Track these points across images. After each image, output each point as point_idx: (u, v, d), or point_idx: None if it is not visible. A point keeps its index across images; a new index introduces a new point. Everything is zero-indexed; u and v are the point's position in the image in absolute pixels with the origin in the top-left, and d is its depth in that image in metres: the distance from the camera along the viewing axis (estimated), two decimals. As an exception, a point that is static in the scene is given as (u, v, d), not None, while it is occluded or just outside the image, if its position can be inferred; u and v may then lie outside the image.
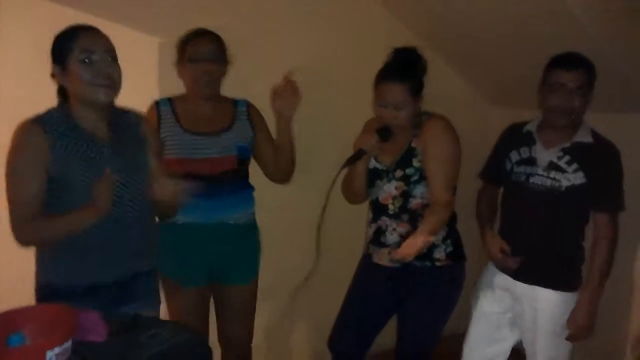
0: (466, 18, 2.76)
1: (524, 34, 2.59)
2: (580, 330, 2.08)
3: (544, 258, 2.14)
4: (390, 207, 2.15)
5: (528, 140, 2.18)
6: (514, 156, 2.20)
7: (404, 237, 2.12)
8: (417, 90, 2.09)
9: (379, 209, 2.18)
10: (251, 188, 2.34)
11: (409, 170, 2.12)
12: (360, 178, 2.15)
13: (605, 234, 2.07)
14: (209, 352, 1.49)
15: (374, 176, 2.17)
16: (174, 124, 2.19)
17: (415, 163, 2.12)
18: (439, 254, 2.17)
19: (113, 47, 1.72)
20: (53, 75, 1.73)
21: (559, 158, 2.09)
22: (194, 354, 1.47)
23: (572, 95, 2.03)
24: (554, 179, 2.08)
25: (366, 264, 2.30)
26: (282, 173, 2.33)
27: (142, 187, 1.78)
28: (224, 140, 2.20)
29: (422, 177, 2.12)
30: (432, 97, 3.02)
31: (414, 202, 2.13)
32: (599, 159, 2.06)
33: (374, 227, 2.21)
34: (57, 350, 1.24)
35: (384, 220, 2.17)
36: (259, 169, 2.38)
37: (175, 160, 2.15)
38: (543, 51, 2.13)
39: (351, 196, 2.22)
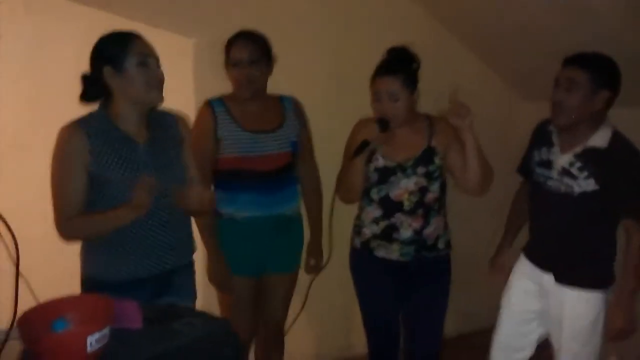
0: (492, 8, 2.77)
1: (548, 29, 2.59)
2: (619, 332, 2.06)
3: (567, 258, 2.14)
4: (406, 202, 2.18)
5: (548, 140, 2.17)
6: (536, 156, 2.21)
7: (417, 232, 2.19)
8: (411, 83, 2.14)
9: (390, 206, 2.20)
10: (297, 180, 2.45)
11: (431, 167, 2.17)
12: (359, 175, 2.16)
13: (632, 239, 2.05)
14: (237, 339, 1.57)
15: (386, 173, 2.19)
16: (231, 123, 2.28)
17: (437, 161, 2.18)
18: (442, 243, 2.26)
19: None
20: (87, 77, 1.80)
21: (571, 164, 2.07)
22: (224, 342, 1.54)
23: (563, 92, 2.02)
24: (567, 184, 2.07)
25: (366, 261, 2.31)
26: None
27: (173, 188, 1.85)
28: (279, 136, 2.31)
29: (441, 174, 2.19)
30: (465, 94, 3.05)
31: (429, 197, 2.18)
32: (613, 165, 2.01)
33: (383, 224, 2.22)
34: (96, 335, 1.33)
35: (399, 217, 2.19)
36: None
37: (235, 158, 2.26)
38: (567, 46, 2.12)
39: (347, 194, 2.24)
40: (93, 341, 1.33)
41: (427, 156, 2.18)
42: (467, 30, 3.14)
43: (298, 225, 2.48)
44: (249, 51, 2.24)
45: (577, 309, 2.11)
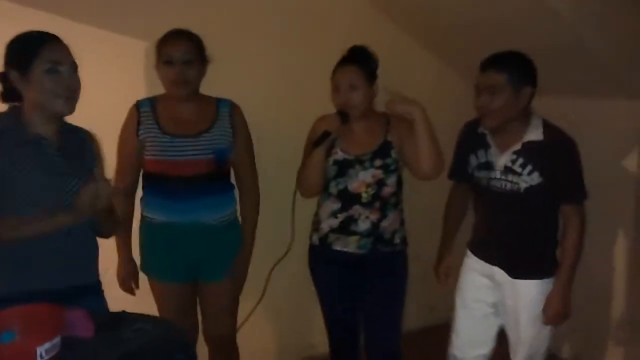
0: (450, 9, 2.82)
1: (507, 24, 2.62)
2: (556, 316, 2.14)
3: (517, 254, 2.19)
4: (364, 195, 2.24)
5: (483, 142, 2.20)
6: (473, 160, 2.24)
7: (375, 224, 2.25)
8: (370, 75, 2.21)
9: (349, 198, 2.25)
10: (231, 188, 2.36)
11: (388, 160, 2.24)
12: (319, 166, 2.20)
13: (572, 224, 2.12)
14: (189, 343, 1.59)
15: (345, 166, 2.24)
16: (152, 126, 2.20)
17: (393, 154, 2.24)
18: (398, 238, 2.32)
19: (74, 58, 1.71)
20: (1, 76, 1.70)
21: (513, 162, 2.11)
22: (175, 346, 1.55)
23: (487, 97, 2.07)
24: (512, 182, 2.12)
25: (324, 256, 2.36)
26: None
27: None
28: (201, 142, 2.20)
29: (397, 168, 2.26)
30: (425, 90, 3.09)
31: (386, 190, 2.25)
32: (552, 155, 2.07)
33: (341, 217, 2.27)
34: (46, 346, 1.33)
35: (356, 209, 2.25)
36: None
37: (153, 161, 2.20)
38: (526, 41, 2.17)
39: (308, 188, 2.27)
40: (43, 352, 1.33)
41: (384, 150, 2.24)
42: (421, 29, 3.18)
43: (230, 233, 2.35)
44: (184, 50, 2.14)
45: (532, 297, 2.17)
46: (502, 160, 2.14)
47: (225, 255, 2.35)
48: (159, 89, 2.28)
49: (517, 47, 2.11)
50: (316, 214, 2.38)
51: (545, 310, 2.15)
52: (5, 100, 1.73)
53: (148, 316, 1.65)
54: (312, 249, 2.41)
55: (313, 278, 2.43)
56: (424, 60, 3.36)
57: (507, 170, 2.13)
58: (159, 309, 2.34)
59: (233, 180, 2.40)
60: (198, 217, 2.24)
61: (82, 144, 1.84)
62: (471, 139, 2.27)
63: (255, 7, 2.82)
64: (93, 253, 1.85)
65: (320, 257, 2.39)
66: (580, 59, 2.30)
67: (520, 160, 2.10)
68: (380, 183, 2.24)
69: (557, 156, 2.08)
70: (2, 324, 1.42)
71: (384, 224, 2.27)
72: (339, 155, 2.25)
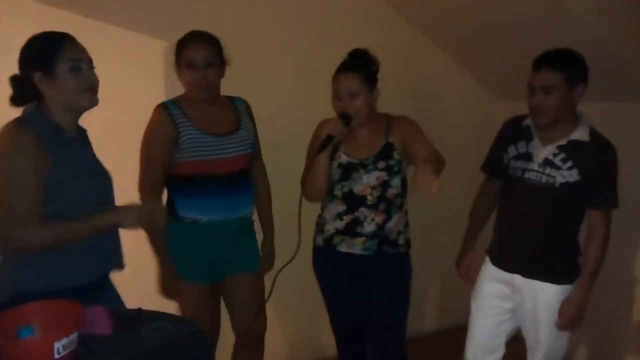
0: (467, 10, 2.80)
1: (522, 25, 2.62)
2: (569, 322, 2.12)
3: (540, 252, 2.17)
4: (369, 197, 2.24)
5: (526, 134, 2.20)
6: (512, 150, 2.24)
7: (380, 226, 2.25)
8: (370, 80, 2.21)
9: (354, 200, 2.26)
10: (253, 183, 2.42)
11: (391, 162, 2.24)
12: (324, 170, 2.20)
13: (597, 231, 2.10)
14: (207, 342, 1.57)
15: (349, 169, 2.26)
16: (190, 126, 2.22)
17: (396, 156, 2.25)
18: (403, 239, 2.32)
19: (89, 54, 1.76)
20: (16, 79, 1.71)
21: (555, 155, 2.11)
22: (193, 344, 1.55)
23: (541, 95, 2.06)
24: (548, 175, 2.11)
25: (328, 257, 2.37)
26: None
27: (112, 190, 1.84)
28: (238, 138, 2.28)
29: (400, 170, 2.26)
30: (438, 92, 3.07)
31: (391, 192, 2.26)
32: (594, 157, 2.07)
33: (347, 218, 2.28)
34: (64, 341, 1.32)
35: (362, 211, 2.26)
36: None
37: (195, 162, 2.21)
38: (541, 43, 2.15)
39: (313, 192, 2.27)
40: (60, 347, 1.32)
41: (387, 151, 2.25)
42: (437, 29, 3.17)
43: (252, 228, 2.45)
44: (205, 53, 2.19)
45: (550, 302, 2.15)
46: (544, 152, 2.13)
47: (252, 247, 2.44)
48: (177, 89, 2.31)
49: (533, 49, 2.10)
50: (320, 216, 2.40)
51: (560, 314, 2.13)
52: (19, 103, 1.73)
53: (167, 314, 1.65)
54: (316, 250, 2.42)
55: (317, 279, 2.45)
56: (439, 60, 3.34)
57: (547, 162, 2.12)
58: (182, 309, 2.35)
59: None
60: (234, 213, 2.30)
61: (87, 139, 1.89)
62: (513, 131, 2.27)
63: (271, 8, 2.82)
64: (119, 243, 1.89)
65: (325, 259, 2.40)
66: (601, 62, 2.27)
67: (563, 155, 2.10)
68: (384, 185, 2.24)
69: (599, 159, 2.08)
70: (21, 319, 1.43)
71: (389, 225, 2.28)
72: (342, 158, 2.27)
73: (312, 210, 2.39)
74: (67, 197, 1.68)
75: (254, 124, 2.41)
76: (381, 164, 2.24)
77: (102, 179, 1.81)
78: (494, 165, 2.35)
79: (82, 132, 1.86)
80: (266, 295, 2.36)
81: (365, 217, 2.26)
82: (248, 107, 2.41)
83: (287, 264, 2.21)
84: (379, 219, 2.26)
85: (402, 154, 2.25)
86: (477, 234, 2.44)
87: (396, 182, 2.26)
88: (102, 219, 1.70)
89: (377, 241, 2.27)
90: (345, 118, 2.17)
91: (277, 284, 2.23)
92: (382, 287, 2.32)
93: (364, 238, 2.27)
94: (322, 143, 2.15)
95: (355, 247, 2.29)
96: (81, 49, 1.74)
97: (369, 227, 2.26)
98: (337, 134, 2.17)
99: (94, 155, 1.86)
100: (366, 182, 2.24)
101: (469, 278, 2.42)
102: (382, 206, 2.25)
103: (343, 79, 2.20)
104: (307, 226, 2.36)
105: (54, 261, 1.68)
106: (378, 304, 2.34)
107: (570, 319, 2.11)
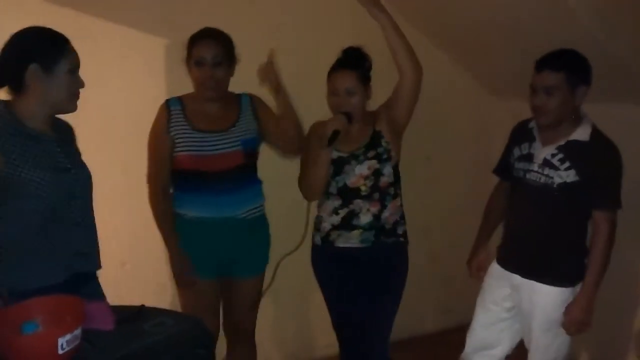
0: (466, 10, 2.80)
1: (522, 25, 2.62)
2: (575, 324, 2.11)
3: (541, 253, 2.17)
4: (363, 188, 2.27)
5: (529, 136, 2.21)
6: (516, 152, 2.25)
7: (376, 216, 2.27)
8: (365, 79, 2.26)
9: (349, 193, 2.28)
10: (259, 182, 2.40)
11: (379, 149, 2.28)
12: (327, 166, 2.23)
13: (599, 232, 2.08)
14: (210, 338, 1.58)
15: (341, 163, 2.28)
16: (182, 122, 2.26)
17: (384, 143, 2.28)
18: (400, 230, 2.34)
19: None
20: (15, 72, 1.65)
21: (553, 156, 2.10)
22: (196, 340, 1.56)
23: (543, 96, 2.07)
24: (547, 175, 2.11)
25: (327, 254, 2.38)
26: (290, 142, 2.35)
27: (89, 187, 1.81)
28: (229, 135, 2.27)
29: (390, 157, 2.29)
30: (437, 92, 3.06)
31: (383, 180, 2.28)
32: (593, 158, 2.06)
33: (343, 212, 2.29)
34: (67, 337, 1.33)
35: (357, 203, 2.28)
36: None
37: (185, 157, 2.24)
38: (540, 43, 2.16)
39: (316, 190, 2.30)
40: (64, 343, 1.33)
41: (375, 140, 2.28)
42: (436, 29, 3.17)
43: (260, 228, 2.42)
44: (214, 52, 2.20)
45: (547, 304, 2.15)
46: (543, 153, 2.14)
47: (257, 253, 2.41)
48: (182, 87, 2.31)
49: (533, 48, 2.10)
50: (317, 216, 2.40)
51: (565, 317, 2.11)
52: None
53: (169, 311, 1.66)
54: (315, 249, 2.43)
55: (316, 276, 2.45)
56: (439, 60, 3.33)
57: (546, 163, 2.12)
58: (184, 305, 2.36)
59: (259, 175, 2.42)
60: (230, 211, 2.28)
61: (67, 134, 1.85)
62: (520, 133, 2.28)
63: (271, 7, 2.83)
64: (94, 243, 1.85)
65: (324, 256, 2.40)
66: (601, 63, 2.27)
67: (560, 155, 2.09)
68: (376, 173, 2.27)
69: (599, 159, 2.07)
70: (25, 314, 1.43)
71: (385, 214, 2.29)
72: (334, 154, 2.28)
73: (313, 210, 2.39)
74: (26, 193, 1.62)
75: (264, 108, 2.38)
76: (371, 153, 2.27)
77: (75, 174, 1.75)
78: (504, 168, 2.36)
79: (61, 129, 1.82)
80: (264, 286, 2.38)
81: (361, 208, 2.27)
82: (254, 101, 2.39)
83: (289, 254, 2.23)
84: (374, 209, 2.27)
85: (397, 94, 2.28)
86: (489, 234, 2.45)
87: (388, 169, 2.28)
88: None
89: (374, 232, 2.29)
90: (348, 115, 2.20)
91: (276, 283, 2.25)
92: (378, 276, 2.32)
93: (361, 230, 2.28)
94: (331, 138, 2.17)
95: (352, 240, 2.30)
96: (77, 54, 1.73)
97: (365, 218, 2.28)
98: (342, 128, 2.19)
99: (71, 152, 1.80)
100: (359, 173, 2.26)
101: (479, 277, 2.42)
102: (376, 195, 2.27)
103: (341, 77, 2.23)
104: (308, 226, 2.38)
105: (20, 263, 1.65)
106: (371, 294, 2.32)
107: (574, 321, 2.10)
